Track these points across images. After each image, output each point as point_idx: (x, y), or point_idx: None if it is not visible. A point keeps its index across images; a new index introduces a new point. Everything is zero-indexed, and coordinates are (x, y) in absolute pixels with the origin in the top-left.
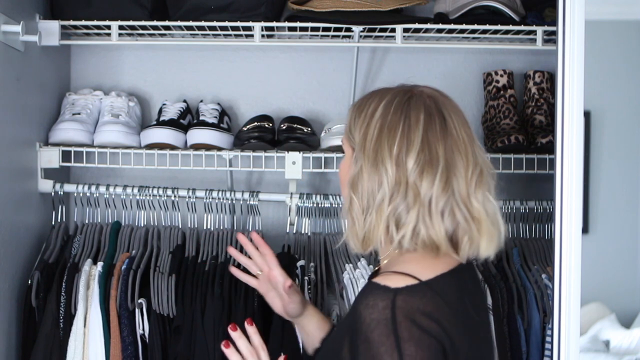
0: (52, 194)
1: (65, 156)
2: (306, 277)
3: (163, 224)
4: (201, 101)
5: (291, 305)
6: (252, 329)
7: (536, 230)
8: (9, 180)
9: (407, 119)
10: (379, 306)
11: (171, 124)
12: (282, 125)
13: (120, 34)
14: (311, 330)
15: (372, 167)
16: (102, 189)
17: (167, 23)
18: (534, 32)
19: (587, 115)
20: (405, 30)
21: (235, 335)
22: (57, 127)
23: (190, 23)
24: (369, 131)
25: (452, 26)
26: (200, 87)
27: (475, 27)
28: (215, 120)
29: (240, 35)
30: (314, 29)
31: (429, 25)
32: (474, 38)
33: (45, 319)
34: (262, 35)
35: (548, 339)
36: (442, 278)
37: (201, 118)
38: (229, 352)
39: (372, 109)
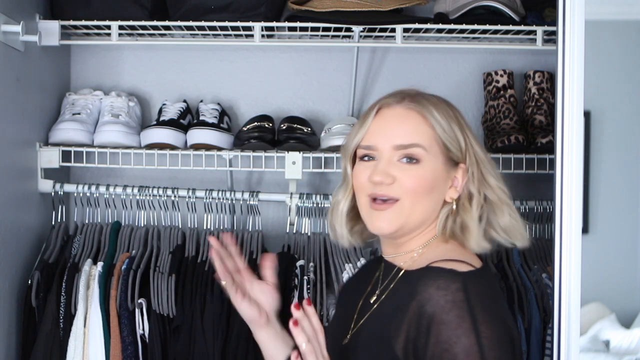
0: (52, 194)
1: (65, 156)
2: (305, 277)
3: (163, 224)
4: (201, 101)
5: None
6: (311, 310)
7: (536, 230)
8: (9, 180)
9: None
10: (452, 288)
11: (171, 124)
12: (282, 125)
13: (120, 34)
14: (271, 346)
15: (491, 167)
16: (102, 189)
17: (167, 23)
18: (534, 32)
19: (587, 115)
20: (405, 30)
21: (299, 315)
22: (57, 127)
23: (190, 23)
24: (470, 139)
25: (452, 26)
26: (200, 87)
27: (475, 27)
28: (215, 120)
29: (240, 35)
30: (314, 29)
31: (429, 25)
32: (474, 38)
33: (45, 319)
34: (262, 35)
35: (548, 338)
36: (485, 268)
37: (201, 118)
38: (296, 331)
39: (454, 117)
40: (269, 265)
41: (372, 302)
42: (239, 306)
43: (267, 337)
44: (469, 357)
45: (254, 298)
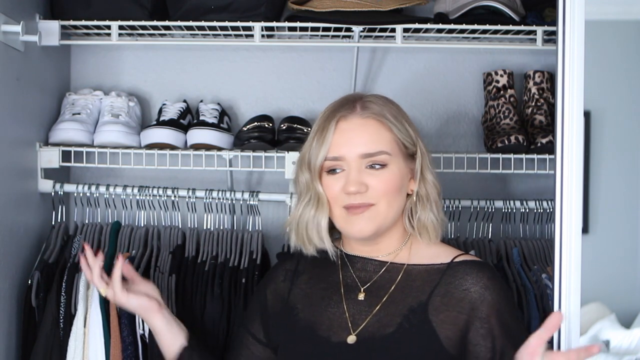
0: (52, 194)
1: (65, 156)
2: None
3: (163, 224)
4: (201, 101)
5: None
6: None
7: (536, 230)
8: (9, 180)
9: None
10: (497, 277)
11: (171, 124)
12: (282, 125)
13: (120, 34)
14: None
15: (430, 161)
16: (102, 189)
17: (167, 23)
18: (534, 32)
19: (587, 115)
20: (405, 30)
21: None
22: (57, 127)
23: (190, 23)
24: (416, 131)
25: (452, 26)
26: (200, 87)
27: (475, 27)
28: (215, 120)
29: (240, 35)
30: (314, 29)
31: (429, 25)
32: (474, 38)
33: (45, 319)
34: (262, 35)
35: None
36: None
37: (201, 118)
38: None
39: (401, 112)
40: (125, 269)
41: (361, 299)
42: (128, 301)
43: (164, 323)
44: (519, 325)
45: (137, 291)
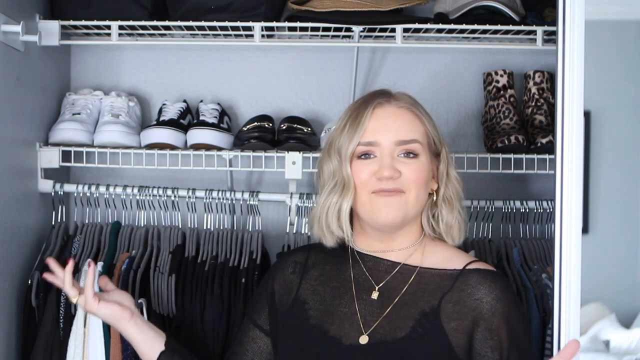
0: (52, 194)
1: (65, 156)
2: None
3: (163, 224)
4: (201, 101)
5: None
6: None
7: (536, 230)
8: (9, 180)
9: None
10: (509, 287)
11: (171, 124)
12: (282, 125)
13: (120, 34)
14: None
15: (452, 162)
16: (102, 189)
17: (167, 23)
18: (534, 32)
19: (587, 115)
20: (405, 30)
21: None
22: (57, 127)
23: (190, 23)
24: (442, 134)
25: (452, 26)
26: (200, 87)
27: (475, 27)
28: (215, 120)
29: (240, 35)
30: (314, 29)
31: (429, 25)
32: (474, 38)
33: (45, 319)
34: (262, 35)
35: (548, 338)
36: None
37: (201, 118)
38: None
39: (429, 113)
40: (101, 282)
41: (374, 298)
42: (98, 309)
43: (137, 329)
44: (528, 341)
45: (110, 300)
